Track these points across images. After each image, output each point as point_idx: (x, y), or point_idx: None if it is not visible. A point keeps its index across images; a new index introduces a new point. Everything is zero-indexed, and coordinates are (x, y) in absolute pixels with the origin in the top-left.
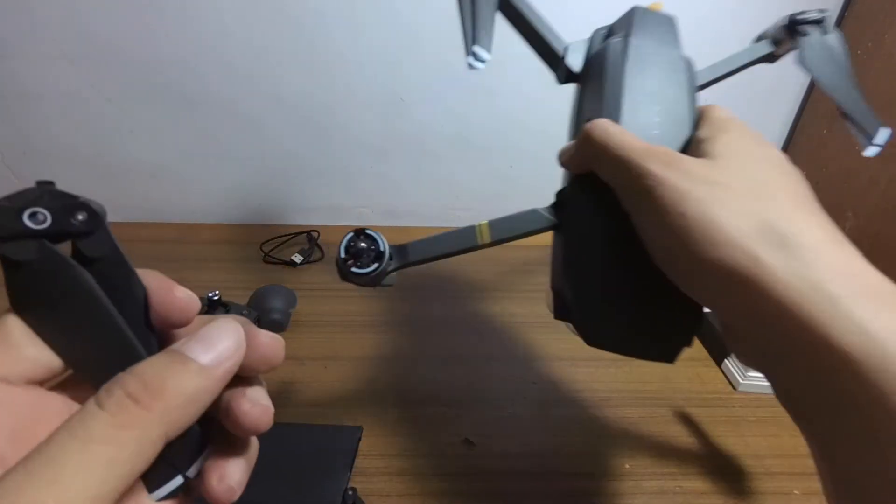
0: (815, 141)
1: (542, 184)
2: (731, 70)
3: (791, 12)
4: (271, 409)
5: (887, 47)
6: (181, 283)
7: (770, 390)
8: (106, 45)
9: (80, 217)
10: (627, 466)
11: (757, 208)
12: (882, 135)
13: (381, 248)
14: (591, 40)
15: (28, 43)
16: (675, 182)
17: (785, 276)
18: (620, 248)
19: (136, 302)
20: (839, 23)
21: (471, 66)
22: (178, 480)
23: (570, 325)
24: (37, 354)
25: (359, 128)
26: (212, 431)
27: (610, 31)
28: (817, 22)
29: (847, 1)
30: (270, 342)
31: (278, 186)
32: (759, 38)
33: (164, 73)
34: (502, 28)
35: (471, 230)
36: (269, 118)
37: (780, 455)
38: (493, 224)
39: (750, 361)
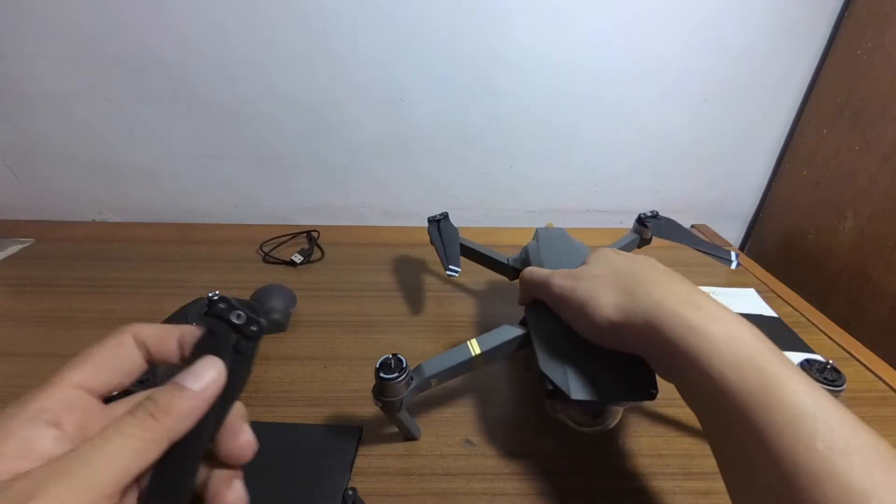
0: (815, 141)
1: (542, 183)
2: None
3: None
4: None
5: (887, 47)
6: (181, 282)
7: None
8: (106, 45)
9: (253, 327)
10: (628, 466)
11: (619, 282)
12: (734, 255)
13: (404, 365)
14: (521, 252)
15: (28, 43)
16: (567, 283)
17: (646, 316)
18: (568, 330)
19: (234, 395)
20: (839, 23)
21: (450, 276)
22: None
23: (558, 408)
24: (121, 378)
25: (358, 128)
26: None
27: (527, 246)
28: (655, 216)
29: (847, 1)
30: (249, 440)
31: (278, 186)
32: (633, 229)
33: (165, 74)
34: (503, 27)
35: (464, 346)
36: (270, 118)
37: None
38: (480, 339)
39: (664, 377)
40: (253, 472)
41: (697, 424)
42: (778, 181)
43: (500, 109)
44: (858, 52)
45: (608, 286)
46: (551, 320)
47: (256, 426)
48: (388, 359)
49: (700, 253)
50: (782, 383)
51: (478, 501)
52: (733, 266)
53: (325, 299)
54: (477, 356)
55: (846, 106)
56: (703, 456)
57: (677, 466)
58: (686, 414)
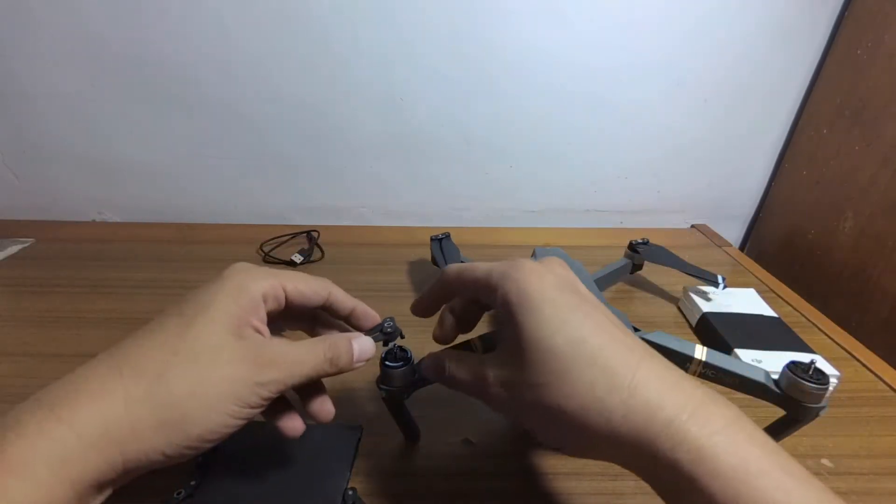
0: (815, 141)
1: (542, 183)
2: (614, 278)
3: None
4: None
5: (887, 47)
6: (181, 283)
7: None
8: (106, 45)
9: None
10: None
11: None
12: (721, 279)
13: (409, 355)
14: None
15: (28, 43)
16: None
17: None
18: None
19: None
20: (839, 23)
21: None
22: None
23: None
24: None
25: (358, 128)
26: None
27: None
28: (645, 242)
29: (847, 1)
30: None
31: (278, 186)
32: (624, 255)
33: (165, 74)
34: (503, 27)
35: (466, 344)
36: (269, 118)
37: None
38: (483, 337)
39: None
40: (253, 472)
41: None
42: (778, 181)
43: (501, 109)
44: (858, 52)
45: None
46: None
47: (256, 426)
48: (393, 348)
49: (696, 256)
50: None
51: (478, 501)
52: (720, 289)
53: None
54: (479, 351)
55: (846, 106)
56: None
57: None
58: None
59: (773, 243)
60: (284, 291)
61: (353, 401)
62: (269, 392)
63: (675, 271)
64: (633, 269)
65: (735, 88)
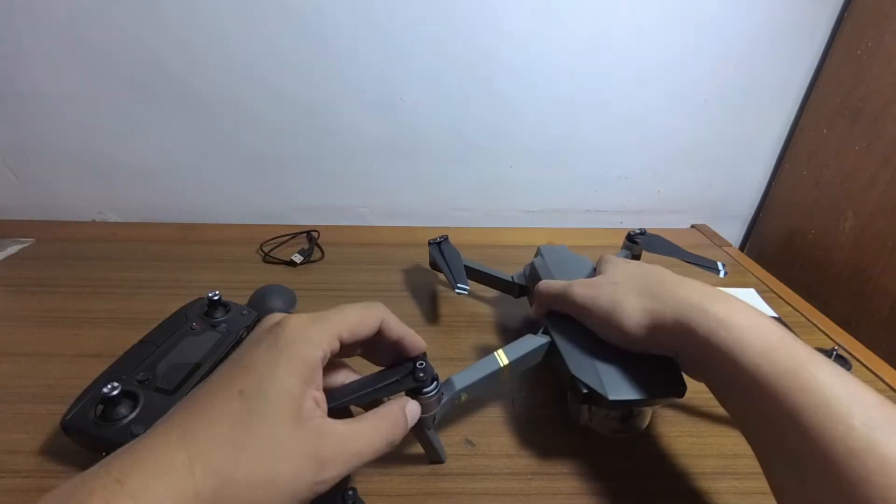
0: (815, 141)
1: (542, 184)
2: None
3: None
4: None
5: (887, 47)
6: (181, 282)
7: None
8: (106, 45)
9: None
10: (628, 467)
11: (639, 286)
12: (721, 265)
13: (435, 375)
14: (525, 269)
15: (28, 43)
16: (588, 292)
17: (674, 315)
18: (593, 335)
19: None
20: (839, 23)
21: (459, 294)
22: None
23: (591, 412)
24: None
25: (359, 128)
26: None
27: (532, 263)
28: (643, 233)
29: (847, 1)
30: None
31: (278, 186)
32: (622, 247)
33: (165, 74)
34: (503, 27)
35: (492, 357)
36: (269, 118)
37: None
38: (506, 350)
39: (693, 376)
40: None
41: (698, 425)
42: (778, 181)
43: (501, 109)
44: (858, 52)
45: (630, 291)
46: (574, 326)
47: None
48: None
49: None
50: (814, 367)
51: (478, 501)
52: (721, 275)
53: (325, 299)
54: (505, 367)
55: (846, 106)
56: (705, 456)
57: (678, 466)
58: (686, 415)
59: (773, 243)
60: (342, 340)
61: None
62: (325, 488)
63: (675, 263)
64: (632, 259)
65: (735, 89)
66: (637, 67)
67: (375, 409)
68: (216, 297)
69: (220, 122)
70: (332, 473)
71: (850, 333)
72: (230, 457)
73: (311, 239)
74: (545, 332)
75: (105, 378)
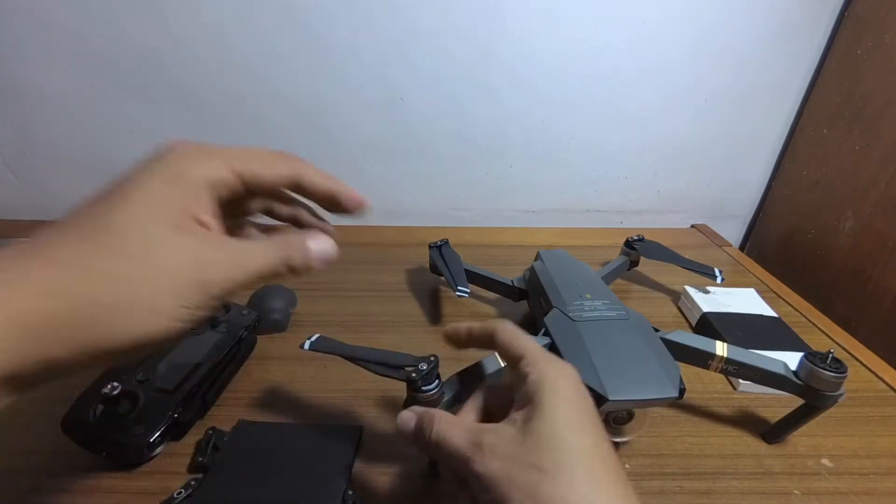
0: (815, 141)
1: (542, 183)
2: (614, 276)
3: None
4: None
5: (887, 47)
6: None
7: (770, 391)
8: (106, 45)
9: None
10: (627, 466)
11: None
12: (718, 272)
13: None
14: (525, 273)
15: (28, 43)
16: (497, 472)
17: None
18: (590, 335)
19: None
20: (839, 23)
21: (459, 297)
22: None
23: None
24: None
25: (359, 127)
26: None
27: (532, 268)
28: (641, 239)
29: (847, 1)
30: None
31: None
32: (621, 253)
33: (165, 73)
34: (503, 27)
35: (492, 358)
36: (270, 118)
37: (780, 455)
38: None
39: None
40: (253, 473)
41: (698, 425)
42: (778, 181)
43: (501, 109)
44: (858, 52)
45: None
46: (574, 327)
47: (256, 427)
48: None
49: (696, 256)
50: None
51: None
52: (718, 281)
53: (325, 299)
54: (505, 367)
55: (846, 106)
56: (703, 456)
57: (677, 466)
58: (686, 415)
59: (773, 243)
60: (237, 175)
61: (353, 401)
62: (218, 291)
63: (672, 268)
64: (630, 265)
65: (735, 89)
66: (637, 67)
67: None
68: None
69: (220, 122)
70: (220, 273)
71: (850, 333)
72: (81, 250)
73: None
74: (545, 333)
75: (105, 378)
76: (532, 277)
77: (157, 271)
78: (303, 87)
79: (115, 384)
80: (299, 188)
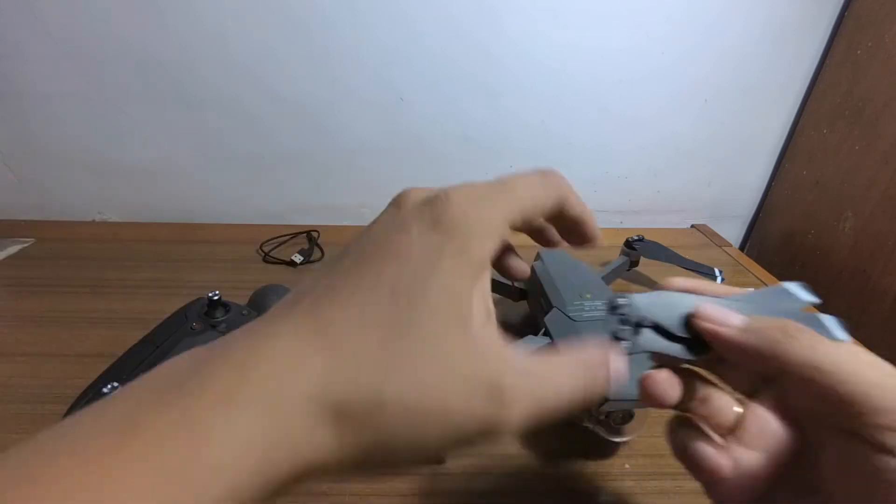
0: (815, 141)
1: None
2: (614, 276)
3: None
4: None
5: (887, 47)
6: (181, 282)
7: None
8: (106, 44)
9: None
10: (627, 466)
11: None
12: (718, 272)
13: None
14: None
15: (28, 43)
16: None
17: None
18: (590, 335)
19: None
20: (839, 23)
21: None
22: None
23: (591, 412)
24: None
25: (359, 128)
26: None
27: (532, 267)
28: (641, 239)
29: (847, 1)
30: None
31: (278, 186)
32: (621, 253)
33: (165, 73)
34: (503, 27)
35: None
36: (270, 118)
37: None
38: None
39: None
40: None
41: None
42: (778, 181)
43: (501, 109)
44: (858, 52)
45: None
46: (574, 327)
47: None
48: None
49: (696, 256)
50: None
51: (478, 501)
52: (718, 282)
53: None
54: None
55: (846, 106)
56: None
57: (677, 466)
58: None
59: (773, 243)
60: (513, 226)
61: None
62: (496, 439)
63: (672, 268)
64: (630, 266)
65: (735, 88)
66: (637, 68)
67: (567, 347)
68: (216, 297)
69: (220, 121)
70: (513, 416)
71: (851, 333)
72: (380, 373)
73: (311, 239)
74: (545, 333)
75: (105, 378)
76: (532, 277)
77: (447, 405)
78: (303, 87)
79: (115, 384)
80: (557, 213)
